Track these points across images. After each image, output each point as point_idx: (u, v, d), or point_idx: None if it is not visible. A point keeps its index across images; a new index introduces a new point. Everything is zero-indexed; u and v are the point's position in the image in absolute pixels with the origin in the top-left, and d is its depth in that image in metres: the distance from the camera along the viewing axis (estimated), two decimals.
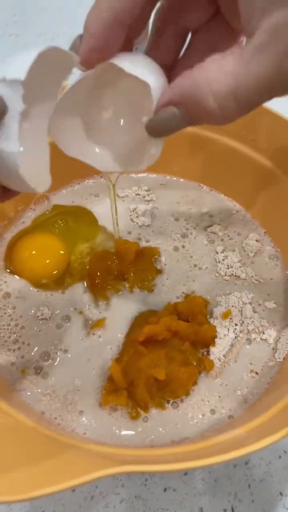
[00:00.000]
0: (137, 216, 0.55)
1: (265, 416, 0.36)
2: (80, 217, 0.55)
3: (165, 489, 0.44)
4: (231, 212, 0.57)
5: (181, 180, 0.59)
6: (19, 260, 0.50)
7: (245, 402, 0.43)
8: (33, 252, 0.51)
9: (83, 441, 0.37)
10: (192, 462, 0.28)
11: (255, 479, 0.44)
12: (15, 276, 0.50)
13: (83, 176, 0.58)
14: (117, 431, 0.40)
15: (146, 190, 0.58)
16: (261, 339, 0.46)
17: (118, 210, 0.55)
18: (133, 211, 0.56)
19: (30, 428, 0.33)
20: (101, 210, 0.56)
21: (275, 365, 0.45)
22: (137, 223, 0.55)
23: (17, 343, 0.45)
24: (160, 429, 0.41)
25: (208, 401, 0.43)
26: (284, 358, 0.45)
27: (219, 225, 0.55)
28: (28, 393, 0.42)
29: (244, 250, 0.53)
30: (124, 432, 0.40)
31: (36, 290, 0.49)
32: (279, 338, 0.46)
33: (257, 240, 0.53)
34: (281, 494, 0.43)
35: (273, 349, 0.46)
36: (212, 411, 0.42)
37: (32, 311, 0.47)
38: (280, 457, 0.45)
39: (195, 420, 0.41)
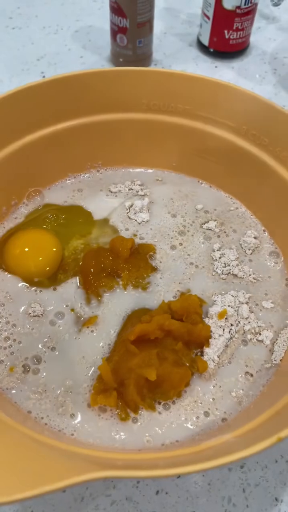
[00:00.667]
0: (135, 213, 0.54)
1: (258, 420, 0.34)
2: (73, 213, 0.54)
3: (157, 492, 0.42)
4: (228, 208, 0.55)
5: (179, 175, 0.58)
6: (11, 257, 0.49)
7: (239, 404, 0.41)
8: (26, 249, 0.49)
9: (70, 443, 0.36)
10: (180, 468, 0.27)
11: (250, 484, 0.43)
12: (6, 273, 0.49)
13: (78, 170, 0.57)
14: (105, 432, 0.39)
15: (140, 185, 0.57)
16: (257, 340, 0.45)
17: (113, 206, 0.54)
18: (130, 208, 0.54)
19: (14, 430, 0.32)
20: (96, 205, 0.55)
21: (271, 367, 0.44)
22: (136, 220, 0.54)
23: (9, 341, 0.44)
24: (150, 431, 0.39)
25: (201, 403, 0.41)
26: (281, 360, 0.44)
27: (215, 221, 0.53)
28: (14, 392, 0.41)
29: (242, 248, 0.52)
30: (112, 434, 0.39)
31: (27, 286, 0.48)
32: (276, 339, 0.45)
33: (255, 237, 0.52)
34: (276, 499, 0.42)
35: (269, 350, 0.45)
36: (206, 414, 0.41)
37: (23, 308, 0.46)
38: (276, 461, 0.43)
39: (187, 423, 0.40)
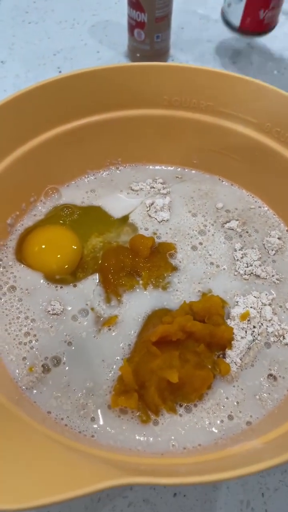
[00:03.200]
0: (155, 211, 0.53)
1: (285, 426, 0.34)
2: (91, 213, 0.53)
3: (175, 494, 0.42)
4: (249, 207, 0.54)
5: (200, 173, 0.57)
6: (30, 254, 0.48)
7: (263, 408, 0.40)
8: (43, 246, 0.49)
9: (90, 445, 0.35)
10: (203, 477, 0.26)
11: (269, 488, 0.42)
12: (27, 268, 0.48)
13: (97, 167, 0.56)
14: (126, 435, 0.38)
15: (162, 183, 0.56)
16: (281, 343, 0.44)
17: (132, 204, 0.53)
18: (151, 206, 0.53)
19: (35, 431, 0.32)
20: (116, 202, 0.54)
21: None
22: (156, 219, 0.53)
23: (28, 336, 0.44)
24: (172, 434, 0.39)
25: (223, 406, 0.40)
26: None
27: (237, 221, 0.52)
28: (34, 391, 0.40)
29: (265, 248, 0.50)
30: (133, 437, 0.38)
31: (47, 283, 0.47)
32: None
33: (279, 238, 0.51)
34: None
35: None
36: (230, 417, 0.40)
37: (43, 305, 0.46)
38: None
39: (210, 427, 0.39)
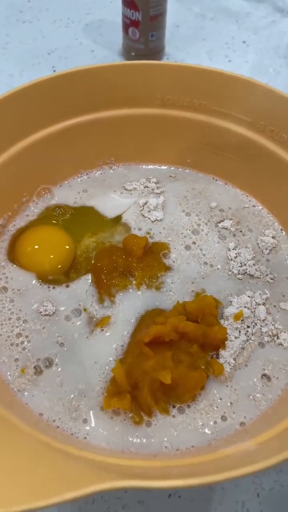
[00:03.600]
0: (148, 211, 0.53)
1: (277, 427, 0.33)
2: (84, 213, 0.53)
3: (169, 495, 0.42)
4: (243, 206, 0.54)
5: (194, 172, 0.57)
6: (22, 255, 0.48)
7: (257, 408, 0.40)
8: (36, 247, 0.49)
9: (83, 447, 0.35)
10: (195, 479, 0.26)
11: (264, 488, 0.42)
12: (19, 269, 0.48)
13: (90, 167, 0.56)
14: (119, 436, 0.38)
15: (155, 183, 0.55)
16: (275, 342, 0.44)
17: (126, 204, 0.53)
18: (144, 205, 0.53)
19: (26, 435, 0.31)
20: (109, 202, 0.54)
21: None
22: (149, 218, 0.52)
23: (21, 337, 0.43)
24: (165, 436, 0.38)
25: (217, 407, 0.40)
26: None
27: (231, 220, 0.52)
28: (26, 393, 0.40)
29: (259, 247, 0.50)
30: (126, 438, 0.38)
31: (39, 283, 0.47)
32: None
33: (273, 237, 0.50)
34: None
35: (287, 353, 0.43)
36: (223, 418, 0.40)
37: (35, 306, 0.45)
38: None
39: (203, 428, 0.39)
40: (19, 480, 0.26)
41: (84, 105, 0.51)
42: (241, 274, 0.48)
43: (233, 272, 0.48)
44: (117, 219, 0.52)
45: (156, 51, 0.75)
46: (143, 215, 0.52)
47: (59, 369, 0.42)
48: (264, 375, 0.42)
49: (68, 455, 0.30)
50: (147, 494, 0.42)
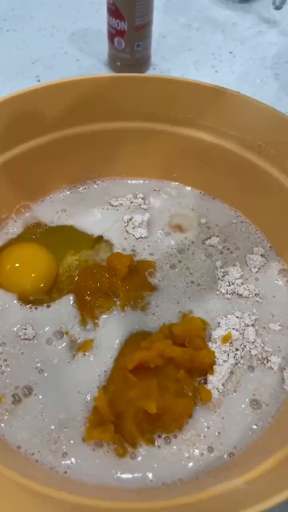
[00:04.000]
0: (133, 228, 0.51)
1: (270, 461, 0.31)
2: (65, 231, 0.51)
3: None
4: (232, 222, 0.52)
5: (180, 186, 0.55)
6: (2, 274, 0.46)
7: (247, 438, 0.38)
8: (16, 265, 0.46)
9: (61, 486, 0.33)
10: None
11: None
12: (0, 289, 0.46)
13: (74, 182, 0.54)
14: (101, 470, 0.36)
15: (142, 198, 0.54)
16: (265, 366, 0.42)
17: (112, 220, 0.51)
18: (129, 221, 0.51)
19: (2, 477, 0.29)
20: (92, 219, 0.52)
21: (280, 396, 0.40)
22: (133, 235, 0.50)
23: None
24: (150, 469, 0.36)
25: (204, 437, 0.38)
26: None
27: (218, 237, 0.51)
28: (2, 425, 0.38)
29: (247, 265, 0.49)
30: (108, 472, 0.36)
31: (20, 304, 0.45)
32: (285, 365, 0.42)
33: (262, 255, 0.49)
34: None
35: (277, 377, 0.41)
36: (210, 449, 0.38)
37: (15, 329, 0.43)
38: None
39: (190, 459, 0.37)
40: None
41: (67, 118, 0.49)
42: (230, 294, 0.46)
43: (221, 292, 0.46)
44: (101, 236, 0.51)
45: (142, 61, 0.74)
46: (127, 232, 0.51)
47: (39, 397, 0.39)
48: (254, 401, 0.40)
49: (45, 498, 0.28)
50: None
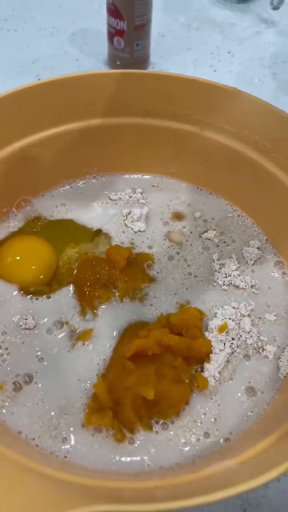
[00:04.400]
0: (132, 221, 0.52)
1: (263, 444, 0.32)
2: (65, 225, 0.52)
3: None
4: (228, 216, 0.53)
5: (178, 181, 0.56)
6: (2, 266, 0.47)
7: (242, 424, 0.39)
8: (17, 258, 0.47)
9: (62, 467, 0.34)
10: (180, 501, 0.25)
11: (251, 504, 0.41)
12: (1, 280, 0.46)
13: (73, 177, 0.55)
14: (100, 455, 0.37)
15: (141, 193, 0.55)
16: (260, 355, 0.43)
17: (111, 214, 0.52)
18: (127, 215, 0.52)
19: (2, 457, 0.30)
20: (91, 213, 0.53)
21: (275, 384, 0.41)
22: (132, 229, 0.51)
23: (0, 349, 0.42)
24: (148, 453, 0.37)
25: (200, 423, 0.39)
26: (285, 376, 0.42)
27: (215, 231, 0.51)
28: (4, 411, 0.39)
29: (244, 258, 0.49)
30: (107, 456, 0.37)
31: (20, 295, 0.46)
32: (281, 354, 0.43)
33: (258, 248, 0.50)
34: None
35: (273, 366, 0.42)
36: (206, 434, 0.38)
37: (15, 319, 0.44)
38: (278, 480, 0.41)
39: (186, 444, 0.38)
40: None
41: (66, 114, 0.50)
42: (226, 285, 0.47)
43: (218, 283, 0.47)
44: (100, 229, 0.52)
45: (141, 60, 0.75)
46: (126, 225, 0.52)
47: (39, 385, 0.40)
48: (250, 388, 0.41)
49: (46, 477, 0.29)
50: None
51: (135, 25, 0.69)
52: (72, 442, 0.37)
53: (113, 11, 0.68)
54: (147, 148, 0.53)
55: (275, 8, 0.86)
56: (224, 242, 0.51)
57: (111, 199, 0.54)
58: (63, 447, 0.37)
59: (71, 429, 0.38)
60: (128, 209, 0.53)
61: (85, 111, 0.50)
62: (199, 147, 0.52)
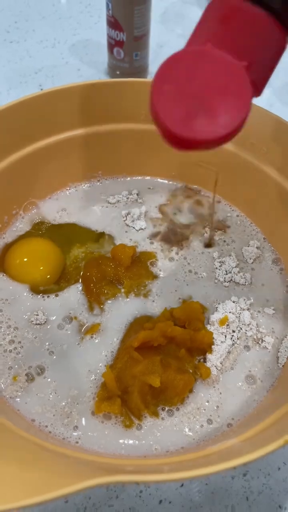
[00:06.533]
0: (132, 221, 0.54)
1: (263, 424, 0.34)
2: (70, 227, 0.54)
3: (160, 501, 0.42)
4: (227, 216, 0.56)
5: (176, 183, 0.59)
6: (12, 267, 0.49)
7: (243, 410, 0.41)
8: (25, 259, 0.50)
9: (75, 450, 0.36)
10: (187, 472, 0.27)
11: (253, 491, 0.43)
12: (10, 279, 0.49)
13: (78, 180, 0.57)
14: (110, 440, 0.39)
15: (137, 194, 0.57)
16: (260, 346, 0.45)
17: (111, 216, 0.54)
18: (127, 215, 0.55)
19: (18, 436, 0.32)
20: (95, 215, 0.55)
21: (274, 373, 0.44)
22: (134, 228, 0.54)
23: (13, 343, 0.44)
24: (155, 438, 0.39)
25: (204, 410, 0.41)
26: (283, 366, 0.44)
27: (215, 230, 0.54)
28: (18, 400, 0.41)
29: (243, 256, 0.52)
30: (117, 442, 0.39)
31: (31, 293, 0.48)
32: (279, 345, 0.45)
33: (257, 247, 0.52)
34: (280, 507, 0.42)
35: (272, 356, 0.45)
36: (209, 421, 0.41)
37: (26, 315, 0.46)
38: (279, 468, 0.43)
39: (191, 430, 0.40)
40: (13, 478, 0.27)
41: (71, 121, 0.52)
42: (227, 282, 0.50)
43: (219, 280, 0.50)
44: (104, 230, 0.54)
45: (140, 70, 0.78)
46: (127, 225, 0.54)
47: (51, 376, 0.43)
48: (250, 377, 0.43)
49: (61, 454, 0.31)
50: (138, 501, 0.42)
51: (134, 36, 0.72)
52: (83, 429, 0.40)
53: (113, 23, 0.71)
54: (149, 153, 0.56)
55: None
56: (224, 241, 0.53)
57: (109, 203, 0.56)
58: (74, 433, 0.39)
59: (82, 416, 0.40)
60: (127, 210, 0.55)
61: (88, 118, 0.53)
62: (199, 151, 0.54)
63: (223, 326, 0.45)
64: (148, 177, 0.59)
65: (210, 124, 0.28)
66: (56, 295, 0.48)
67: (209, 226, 0.54)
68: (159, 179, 0.59)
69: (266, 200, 0.52)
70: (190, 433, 0.40)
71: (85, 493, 0.40)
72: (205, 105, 0.28)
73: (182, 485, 0.42)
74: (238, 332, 0.45)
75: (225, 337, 0.45)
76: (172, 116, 0.28)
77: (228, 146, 0.52)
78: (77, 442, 0.39)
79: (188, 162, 0.56)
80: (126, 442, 0.39)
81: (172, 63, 0.30)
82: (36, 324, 0.45)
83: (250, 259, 0.52)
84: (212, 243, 0.52)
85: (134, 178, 0.59)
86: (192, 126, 0.28)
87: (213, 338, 0.44)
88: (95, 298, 0.47)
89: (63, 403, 0.41)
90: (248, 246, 0.53)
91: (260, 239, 0.54)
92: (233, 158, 0.52)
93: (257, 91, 0.31)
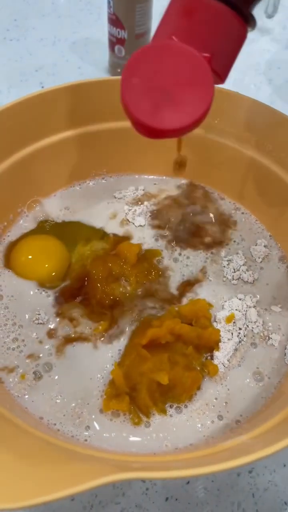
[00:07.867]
0: (136, 218, 0.54)
1: (272, 421, 0.35)
2: (75, 225, 0.54)
3: (166, 498, 0.42)
4: (232, 213, 0.56)
5: (182, 181, 0.59)
6: (17, 265, 0.49)
7: (251, 407, 0.41)
8: (30, 257, 0.50)
9: (84, 447, 0.36)
10: (196, 469, 0.27)
11: (259, 488, 0.43)
12: (16, 276, 0.49)
13: (83, 178, 0.57)
14: (118, 437, 0.39)
15: (143, 191, 0.57)
16: (267, 343, 0.45)
17: (115, 214, 0.54)
18: (132, 212, 0.55)
19: (27, 433, 0.32)
20: (100, 212, 0.55)
21: (282, 369, 0.44)
22: (139, 225, 0.54)
23: (17, 342, 0.44)
24: (163, 435, 0.39)
25: (213, 406, 0.41)
26: None
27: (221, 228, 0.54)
28: (26, 397, 0.41)
29: (252, 256, 0.52)
30: (126, 439, 0.39)
31: (36, 290, 0.48)
32: (286, 342, 0.45)
33: (265, 246, 0.52)
34: (286, 503, 0.42)
35: (279, 353, 0.45)
36: (220, 417, 0.41)
37: (32, 313, 0.46)
38: (284, 465, 0.44)
39: (200, 426, 0.40)
40: (23, 476, 0.27)
41: (74, 119, 0.52)
42: (236, 280, 0.50)
43: (227, 278, 0.50)
44: (109, 228, 0.54)
45: None
46: (132, 222, 0.54)
47: (59, 374, 0.42)
48: (257, 374, 0.44)
49: (72, 452, 0.31)
50: (145, 498, 0.42)
51: (135, 33, 0.71)
52: (92, 427, 0.40)
53: (114, 21, 0.71)
54: (153, 151, 0.55)
55: (270, 16, 0.89)
56: (231, 239, 0.54)
57: (115, 198, 0.56)
58: (83, 431, 0.39)
59: (90, 414, 0.40)
60: (133, 207, 0.55)
61: (92, 116, 0.53)
62: (202, 148, 0.54)
63: (230, 324, 0.45)
64: (153, 175, 0.59)
65: (176, 114, 0.31)
66: None
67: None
68: (164, 177, 0.59)
69: (271, 197, 0.52)
70: (199, 430, 0.40)
71: (91, 491, 0.40)
72: (171, 96, 0.31)
73: (188, 482, 0.42)
74: (245, 330, 0.46)
75: (232, 334, 0.45)
76: (140, 107, 0.31)
77: (233, 144, 0.52)
78: (86, 440, 0.39)
79: (191, 160, 0.56)
80: (134, 439, 0.39)
81: (139, 57, 0.32)
82: (39, 323, 0.45)
83: (259, 258, 0.52)
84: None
85: (139, 175, 0.59)
86: (159, 116, 0.31)
87: (220, 335, 0.44)
88: (101, 296, 0.47)
89: (71, 401, 0.41)
90: (256, 245, 0.53)
91: (266, 236, 0.54)
92: (238, 155, 0.53)
93: (221, 79, 0.34)
